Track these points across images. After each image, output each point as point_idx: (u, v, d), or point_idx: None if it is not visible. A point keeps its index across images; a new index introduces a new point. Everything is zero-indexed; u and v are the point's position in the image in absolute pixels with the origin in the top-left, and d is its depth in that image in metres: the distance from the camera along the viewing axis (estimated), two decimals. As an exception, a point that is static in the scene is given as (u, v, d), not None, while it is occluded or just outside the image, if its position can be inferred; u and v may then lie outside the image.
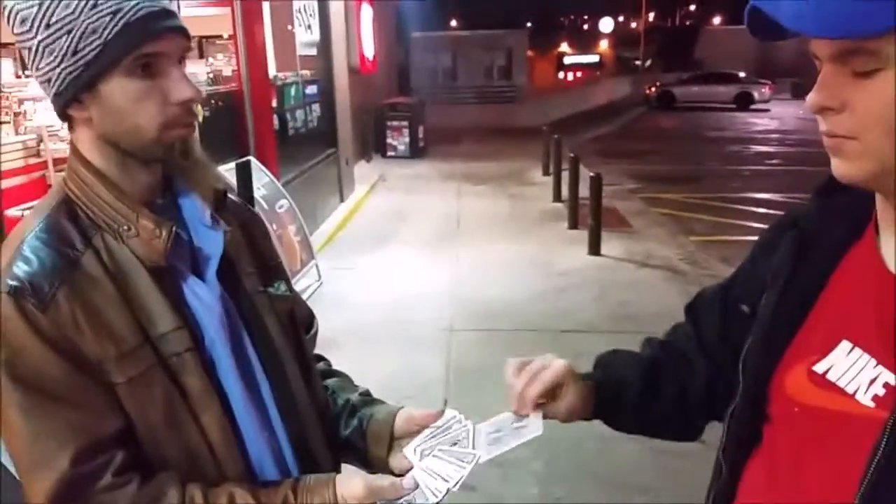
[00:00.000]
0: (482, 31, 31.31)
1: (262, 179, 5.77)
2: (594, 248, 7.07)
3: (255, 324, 1.08)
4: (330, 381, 1.28)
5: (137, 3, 0.91)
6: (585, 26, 71.54)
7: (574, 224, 8.09)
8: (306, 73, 8.25)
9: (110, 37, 0.90)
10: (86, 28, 0.89)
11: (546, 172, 11.44)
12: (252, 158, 5.58)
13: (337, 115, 9.39)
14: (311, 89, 8.35)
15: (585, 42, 64.87)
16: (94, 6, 0.90)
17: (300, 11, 8.16)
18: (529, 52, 35.57)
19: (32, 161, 5.60)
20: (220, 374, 1.00)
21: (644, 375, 1.18)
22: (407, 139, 13.91)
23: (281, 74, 7.34)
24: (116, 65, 0.91)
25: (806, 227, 0.95)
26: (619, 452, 3.48)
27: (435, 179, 11.80)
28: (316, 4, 8.71)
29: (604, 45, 62.35)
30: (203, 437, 0.97)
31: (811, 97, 0.80)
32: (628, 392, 1.17)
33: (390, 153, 13.89)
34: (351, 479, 1.01)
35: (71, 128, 1.00)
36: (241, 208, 1.19)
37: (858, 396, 0.82)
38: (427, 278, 6.42)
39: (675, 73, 30.85)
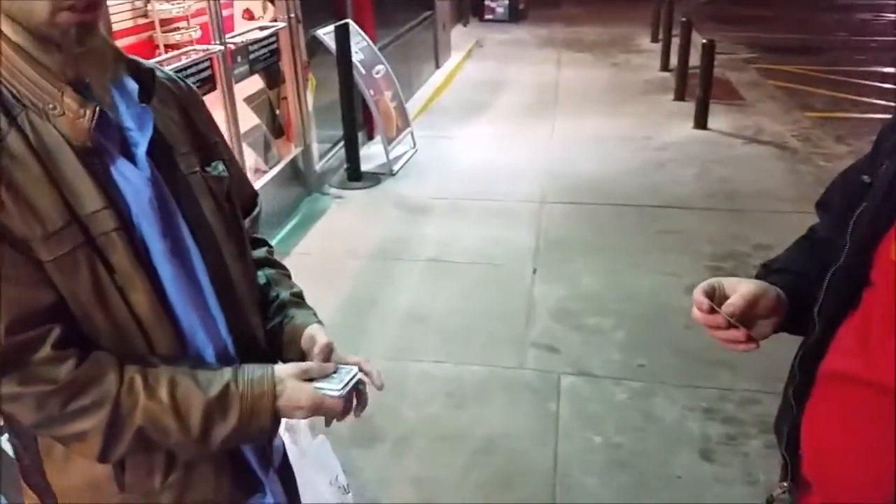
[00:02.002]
0: None
1: (359, 44, 5.74)
2: (700, 122, 6.75)
3: (188, 204, 1.06)
4: (268, 272, 1.29)
5: None
6: None
7: (681, 95, 7.70)
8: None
9: None
10: None
11: (655, 39, 10.79)
12: (350, 21, 5.53)
13: (435, -24, 9.06)
14: (409, -52, 8.04)
15: None
16: None
17: None
18: None
19: (141, 21, 5.77)
20: (151, 254, 1.00)
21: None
22: (506, 2, 13.31)
23: (379, -68, 7.08)
24: None
25: None
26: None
27: (534, 45, 11.36)
28: None
29: None
30: (131, 314, 0.98)
31: None
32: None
33: (488, 16, 13.37)
34: (283, 366, 1.08)
35: None
36: (178, 87, 1.16)
37: None
38: (521, 150, 6.35)
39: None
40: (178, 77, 1.19)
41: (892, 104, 7.60)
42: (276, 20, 4.95)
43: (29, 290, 0.91)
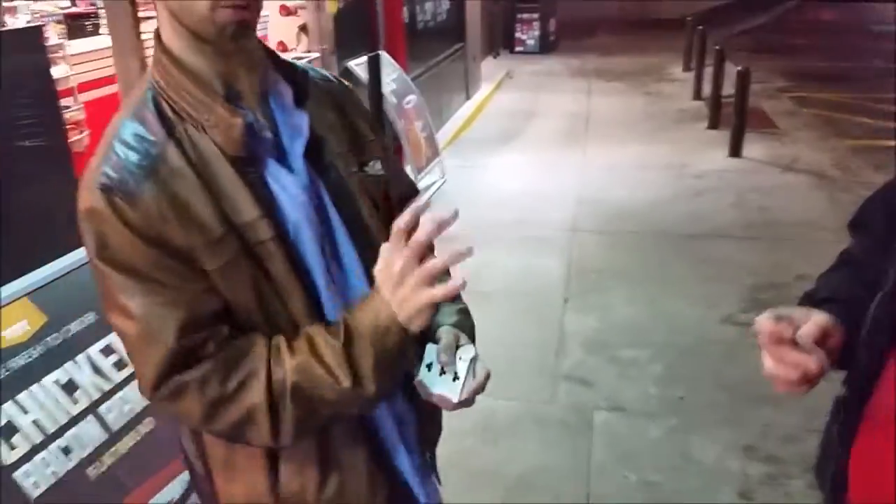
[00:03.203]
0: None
1: (391, 74, 5.77)
2: (735, 150, 6.64)
3: (346, 207, 1.07)
4: None
5: None
6: None
7: (715, 124, 7.61)
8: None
9: None
10: None
11: (687, 68, 10.73)
12: (382, 52, 5.58)
13: (466, 9, 9.13)
14: (441, -20, 8.14)
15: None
16: None
17: None
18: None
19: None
20: (307, 260, 1.01)
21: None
22: (536, 33, 13.36)
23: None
24: None
25: None
26: (744, 359, 3.36)
27: (565, 76, 11.37)
28: None
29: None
30: (289, 319, 0.99)
31: None
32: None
33: (518, 48, 13.43)
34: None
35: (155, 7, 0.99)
36: (332, 86, 1.17)
37: None
38: (552, 178, 6.30)
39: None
40: (332, 76, 1.19)
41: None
42: (309, 51, 5.01)
43: (195, 296, 0.93)
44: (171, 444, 1.50)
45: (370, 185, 1.11)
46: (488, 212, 5.48)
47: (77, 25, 4.95)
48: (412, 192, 1.28)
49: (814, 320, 0.96)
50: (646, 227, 5.11)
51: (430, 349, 1.07)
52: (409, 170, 5.80)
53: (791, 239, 4.80)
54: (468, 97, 9.21)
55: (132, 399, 1.77)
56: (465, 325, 1.16)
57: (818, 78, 10.58)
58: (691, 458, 2.84)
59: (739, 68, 6.60)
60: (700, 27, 9.77)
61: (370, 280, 1.03)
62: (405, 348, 0.97)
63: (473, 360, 1.06)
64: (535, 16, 13.27)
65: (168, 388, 0.93)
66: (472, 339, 1.14)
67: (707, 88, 8.19)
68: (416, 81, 6.52)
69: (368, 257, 1.04)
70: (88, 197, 0.92)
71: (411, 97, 5.95)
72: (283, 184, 1.00)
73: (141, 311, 0.91)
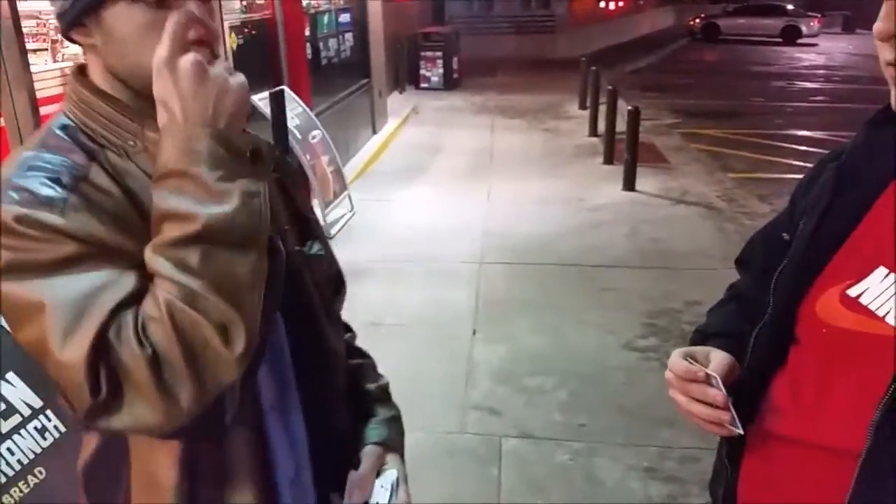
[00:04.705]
0: (520, -43, 30.30)
1: (295, 109, 5.76)
2: (629, 184, 6.97)
3: (292, 282, 0.95)
4: (354, 361, 1.23)
5: None
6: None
7: (609, 159, 7.95)
8: (339, 0, 8.11)
9: None
10: None
11: (583, 106, 11.20)
12: (285, 88, 5.56)
13: (370, 45, 9.24)
14: (344, 17, 8.22)
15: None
16: None
17: (334, -64, 7.96)
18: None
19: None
20: None
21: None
22: (441, 70, 13.66)
23: (314, 2, 7.22)
24: None
25: (850, 158, 0.95)
26: (644, 385, 3.52)
27: (468, 112, 11.64)
28: (349, -71, 8.49)
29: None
30: None
31: (879, 24, 0.77)
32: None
33: (423, 84, 13.68)
34: None
35: (84, 53, 0.92)
36: (283, 161, 1.10)
37: (889, 319, 0.82)
38: (458, 212, 6.41)
39: (720, 3, 29.55)
40: (279, 151, 1.11)
41: (808, 164, 8.04)
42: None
43: (121, 276, 0.80)
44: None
45: (314, 263, 1.06)
46: (397, 246, 5.52)
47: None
48: (340, 277, 1.24)
49: (718, 361, 1.02)
50: (549, 259, 5.27)
51: (351, 477, 1.05)
52: (316, 203, 5.77)
53: (681, 268, 5.08)
54: (375, 131, 9.28)
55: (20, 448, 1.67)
56: (393, 438, 1.15)
57: (704, 115, 11.31)
58: (596, 480, 2.93)
59: (630, 107, 6.98)
60: (594, 67, 10.26)
61: (306, 367, 1.00)
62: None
63: (394, 486, 1.04)
64: (439, 53, 13.58)
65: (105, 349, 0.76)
66: (401, 449, 1.14)
67: (602, 125, 8.59)
68: (321, 116, 6.52)
69: (309, 341, 1.01)
70: None
71: (316, 132, 5.95)
72: None
73: (56, 302, 0.77)
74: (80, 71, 0.94)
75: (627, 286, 4.77)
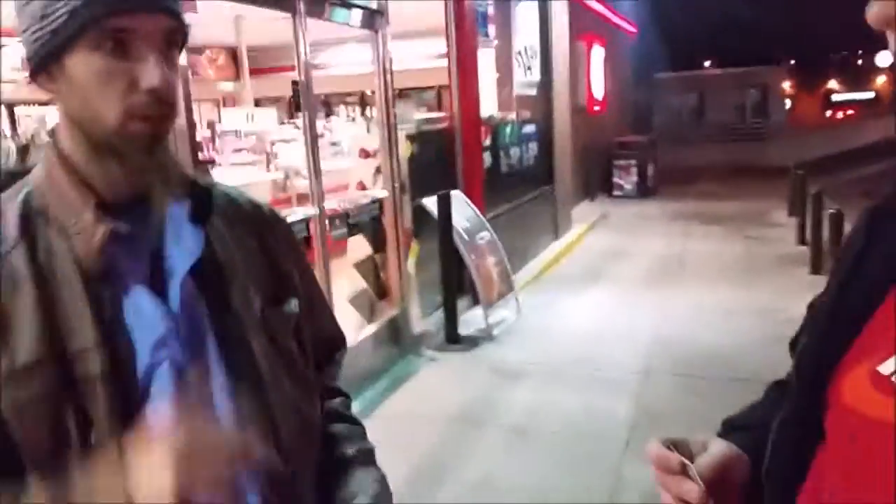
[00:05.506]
0: (734, 68, 29.87)
1: (466, 213, 5.90)
2: (835, 295, 6.16)
3: (233, 343, 0.93)
4: (338, 427, 1.12)
5: None
6: (859, 61, 64.54)
7: (817, 269, 7.15)
8: (525, 112, 8.37)
9: (79, 3, 0.81)
10: None
11: (792, 213, 10.34)
12: (456, 192, 5.75)
13: (555, 154, 9.36)
14: (529, 128, 8.43)
15: (858, 77, 58.62)
16: None
17: (520, 53, 8.33)
18: (790, 90, 32.97)
19: (280, 195, 6.39)
20: (154, 398, 0.86)
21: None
22: (634, 178, 13.45)
23: (497, 114, 7.51)
24: (81, 36, 0.82)
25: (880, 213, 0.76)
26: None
27: (661, 219, 11.22)
28: (538, 46, 8.84)
29: (880, 80, 55.74)
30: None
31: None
32: None
33: (616, 192, 13.52)
34: None
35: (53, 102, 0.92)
36: (260, 212, 1.06)
37: None
38: (633, 318, 6.04)
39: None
40: (265, 205, 1.09)
41: None
42: (384, 189, 5.24)
43: None
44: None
45: (275, 323, 0.99)
46: (560, 349, 5.30)
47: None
48: (335, 344, 1.17)
49: (710, 452, 0.84)
50: (728, 374, 4.72)
51: None
52: (479, 305, 5.76)
53: None
54: (557, 237, 9.23)
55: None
56: (382, 501, 1.03)
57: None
58: None
59: (832, 210, 6.27)
60: (800, 171, 9.49)
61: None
62: None
63: None
64: (633, 161, 13.43)
65: None
66: None
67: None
68: (496, 220, 6.62)
69: (255, 407, 0.93)
70: None
71: (484, 234, 6.02)
72: (141, 309, 0.87)
73: None
74: (53, 133, 0.94)
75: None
